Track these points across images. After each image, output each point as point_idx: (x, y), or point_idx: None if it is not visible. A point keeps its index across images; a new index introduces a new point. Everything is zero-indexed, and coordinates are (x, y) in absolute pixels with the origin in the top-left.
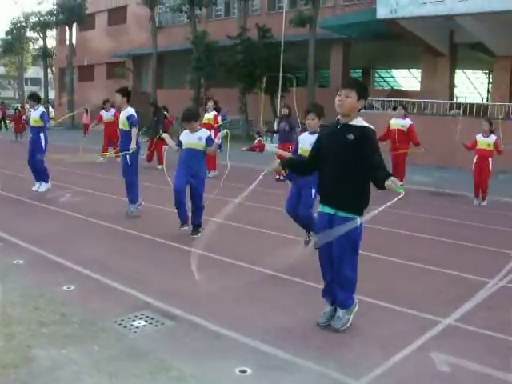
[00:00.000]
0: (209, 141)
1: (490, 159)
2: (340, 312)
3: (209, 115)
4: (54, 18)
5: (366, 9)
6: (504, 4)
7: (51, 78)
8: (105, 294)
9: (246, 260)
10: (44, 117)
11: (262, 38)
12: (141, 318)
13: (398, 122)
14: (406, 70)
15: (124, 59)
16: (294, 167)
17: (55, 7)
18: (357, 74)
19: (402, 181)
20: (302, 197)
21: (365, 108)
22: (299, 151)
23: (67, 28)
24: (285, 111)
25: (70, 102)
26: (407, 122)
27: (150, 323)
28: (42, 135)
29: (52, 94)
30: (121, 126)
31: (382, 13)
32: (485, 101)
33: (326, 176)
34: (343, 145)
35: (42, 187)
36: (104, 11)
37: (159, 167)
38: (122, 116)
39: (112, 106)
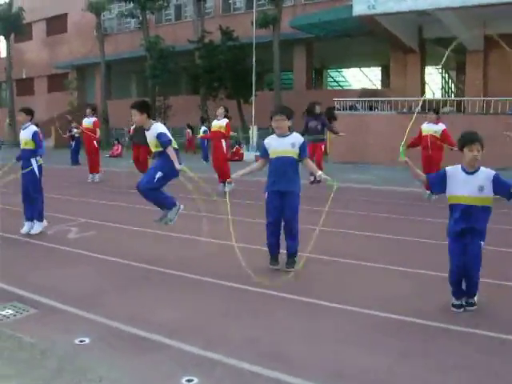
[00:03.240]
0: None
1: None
2: None
3: (220, 123)
4: None
5: (328, 7)
6: None
7: None
8: None
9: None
10: (36, 137)
11: (225, 41)
12: None
13: (431, 128)
14: (357, 69)
15: (67, 70)
16: None
17: None
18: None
19: None
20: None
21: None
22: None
23: (4, 39)
24: (317, 109)
25: (12, 118)
26: (440, 126)
27: None
28: (33, 161)
29: None
30: (154, 149)
31: (359, 9)
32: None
33: None
34: None
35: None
36: (42, 20)
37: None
38: (151, 136)
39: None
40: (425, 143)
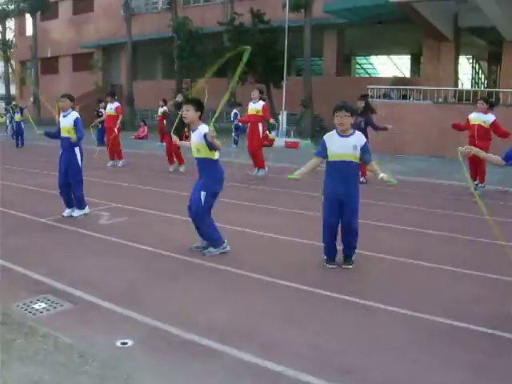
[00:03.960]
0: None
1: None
2: None
3: (256, 106)
4: (15, 7)
5: None
6: None
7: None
8: None
9: None
10: (78, 123)
11: (256, 24)
12: None
13: (479, 117)
14: (385, 57)
15: (92, 50)
16: None
17: None
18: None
19: (482, 181)
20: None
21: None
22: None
23: (31, 17)
24: (361, 104)
25: (36, 97)
26: (490, 116)
27: None
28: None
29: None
30: (195, 155)
31: None
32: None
33: None
34: None
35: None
36: None
37: (181, 169)
38: (197, 137)
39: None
40: (472, 132)
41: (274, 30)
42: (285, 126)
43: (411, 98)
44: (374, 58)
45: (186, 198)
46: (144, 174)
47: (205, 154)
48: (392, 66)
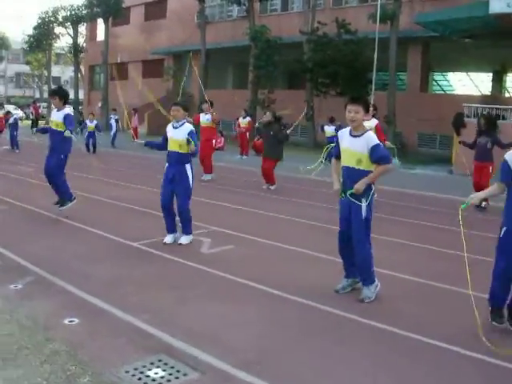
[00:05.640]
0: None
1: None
2: None
3: (370, 123)
4: (88, 12)
5: (450, 5)
6: None
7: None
8: None
9: None
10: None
11: (340, 35)
12: None
13: None
14: (463, 74)
15: (162, 57)
16: None
17: (89, 0)
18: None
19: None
20: None
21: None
22: None
23: (103, 22)
24: (483, 124)
25: (105, 102)
26: None
27: None
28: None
29: (81, 94)
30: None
31: (497, 7)
32: None
33: None
34: None
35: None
36: (140, 5)
37: (272, 187)
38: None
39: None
40: None
41: (360, 41)
42: None
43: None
44: (450, 75)
45: (292, 223)
46: (235, 190)
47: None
48: (469, 82)
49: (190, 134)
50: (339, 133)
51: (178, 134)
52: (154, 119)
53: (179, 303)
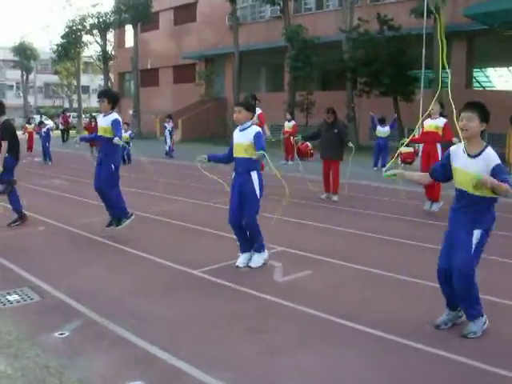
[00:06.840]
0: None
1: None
2: None
3: (437, 122)
4: (116, 18)
5: None
6: None
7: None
8: None
9: None
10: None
11: (382, 31)
12: None
13: None
14: (505, 69)
15: (194, 61)
16: None
17: (117, 6)
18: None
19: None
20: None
21: None
22: None
23: (132, 28)
24: None
25: (136, 110)
26: None
27: None
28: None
29: None
30: None
31: None
32: None
33: None
34: None
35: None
36: (169, 9)
37: (335, 198)
38: None
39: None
40: None
41: (403, 37)
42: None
43: None
44: (490, 71)
45: (376, 241)
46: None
47: None
48: (511, 78)
49: (257, 136)
50: (451, 149)
51: (242, 138)
52: (189, 125)
53: (267, 353)
